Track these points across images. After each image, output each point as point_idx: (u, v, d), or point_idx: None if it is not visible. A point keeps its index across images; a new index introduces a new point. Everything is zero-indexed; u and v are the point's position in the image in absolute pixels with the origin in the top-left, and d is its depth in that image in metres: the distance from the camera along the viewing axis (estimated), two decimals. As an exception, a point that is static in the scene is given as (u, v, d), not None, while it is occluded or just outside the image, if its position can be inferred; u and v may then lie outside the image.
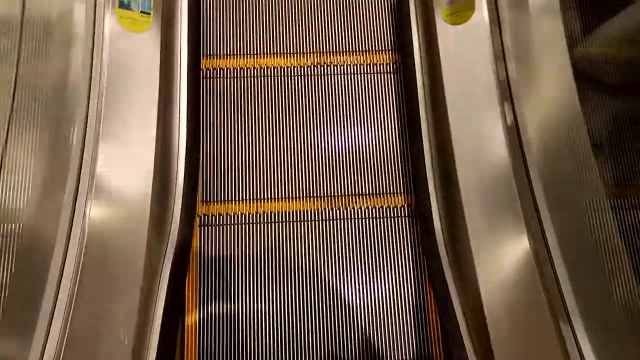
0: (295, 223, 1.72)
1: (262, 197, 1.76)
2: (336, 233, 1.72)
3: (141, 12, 1.56)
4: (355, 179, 1.78)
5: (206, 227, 1.72)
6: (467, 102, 1.55)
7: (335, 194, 1.76)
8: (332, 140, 1.83)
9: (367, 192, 1.77)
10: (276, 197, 1.76)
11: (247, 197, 1.76)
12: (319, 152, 1.81)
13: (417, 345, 1.60)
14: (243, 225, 1.72)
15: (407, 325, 1.62)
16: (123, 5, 1.54)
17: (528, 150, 1.44)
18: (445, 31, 1.62)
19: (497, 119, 1.50)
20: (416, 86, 1.77)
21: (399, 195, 1.77)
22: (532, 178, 1.41)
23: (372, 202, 1.76)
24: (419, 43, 1.82)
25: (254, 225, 1.72)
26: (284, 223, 1.73)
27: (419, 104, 1.75)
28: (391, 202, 1.76)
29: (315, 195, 1.76)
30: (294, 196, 1.76)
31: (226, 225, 1.72)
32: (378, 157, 1.81)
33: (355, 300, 1.64)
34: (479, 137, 1.52)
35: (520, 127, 1.46)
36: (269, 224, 1.72)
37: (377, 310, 1.63)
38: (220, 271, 1.67)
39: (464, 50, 1.60)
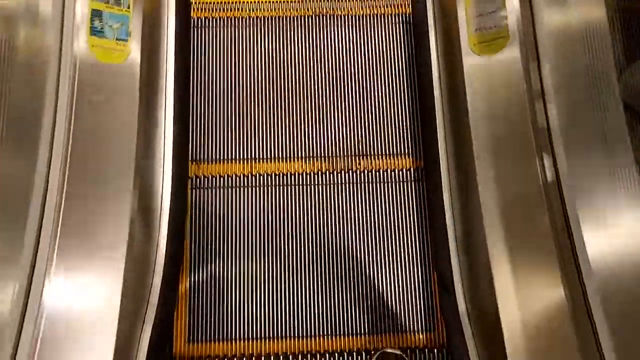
0: (293, 187, 1.62)
1: (258, 156, 1.64)
2: (338, 195, 1.62)
3: (117, 39, 1.38)
4: (359, 138, 1.67)
5: (198, 190, 1.61)
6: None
7: (338, 154, 1.65)
8: (334, 95, 1.70)
9: (372, 153, 1.66)
10: (275, 157, 1.65)
11: (242, 157, 1.64)
12: (320, 108, 1.69)
13: (421, 312, 1.54)
14: (237, 189, 1.62)
15: (411, 291, 1.55)
16: (96, 32, 1.35)
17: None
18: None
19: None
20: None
21: (405, 157, 1.66)
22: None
23: (376, 164, 1.65)
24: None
25: (249, 188, 1.61)
26: (282, 187, 1.62)
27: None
28: (397, 165, 1.65)
29: (315, 155, 1.65)
30: (292, 156, 1.65)
31: (219, 188, 1.62)
32: (384, 114, 1.69)
33: (354, 266, 1.56)
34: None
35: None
36: (266, 187, 1.62)
37: (379, 276, 1.56)
38: (212, 238, 1.57)
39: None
